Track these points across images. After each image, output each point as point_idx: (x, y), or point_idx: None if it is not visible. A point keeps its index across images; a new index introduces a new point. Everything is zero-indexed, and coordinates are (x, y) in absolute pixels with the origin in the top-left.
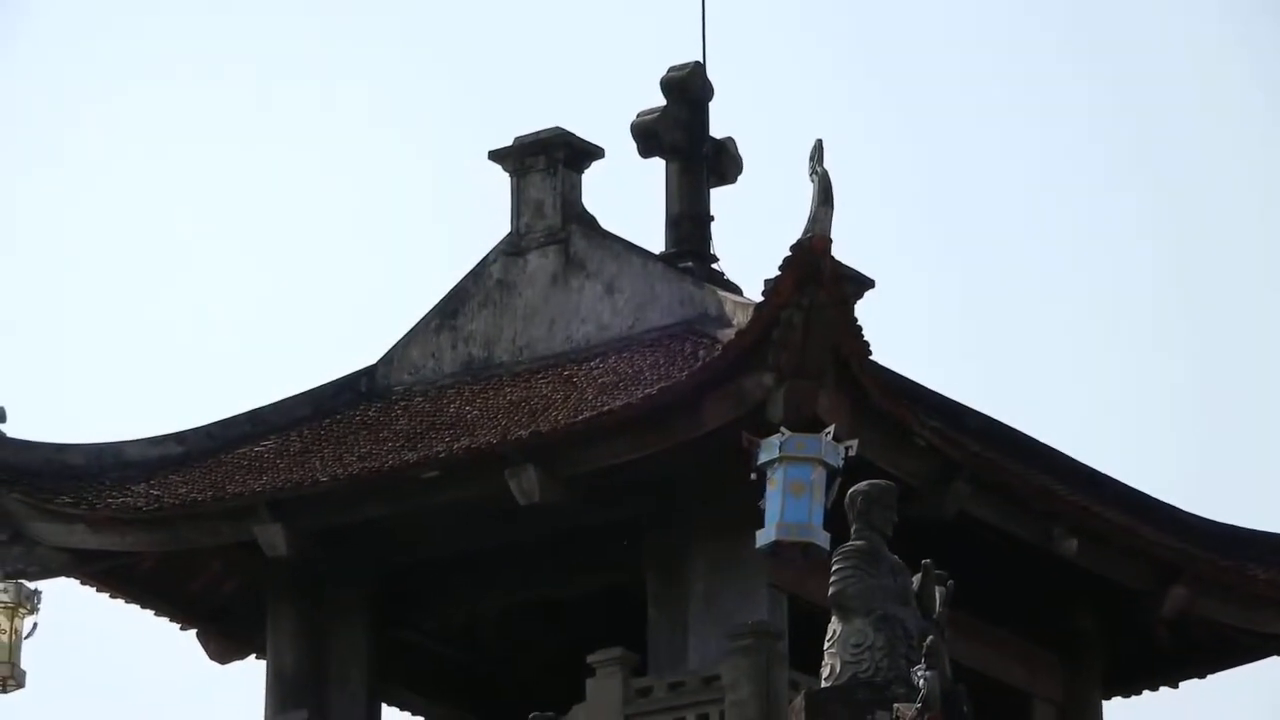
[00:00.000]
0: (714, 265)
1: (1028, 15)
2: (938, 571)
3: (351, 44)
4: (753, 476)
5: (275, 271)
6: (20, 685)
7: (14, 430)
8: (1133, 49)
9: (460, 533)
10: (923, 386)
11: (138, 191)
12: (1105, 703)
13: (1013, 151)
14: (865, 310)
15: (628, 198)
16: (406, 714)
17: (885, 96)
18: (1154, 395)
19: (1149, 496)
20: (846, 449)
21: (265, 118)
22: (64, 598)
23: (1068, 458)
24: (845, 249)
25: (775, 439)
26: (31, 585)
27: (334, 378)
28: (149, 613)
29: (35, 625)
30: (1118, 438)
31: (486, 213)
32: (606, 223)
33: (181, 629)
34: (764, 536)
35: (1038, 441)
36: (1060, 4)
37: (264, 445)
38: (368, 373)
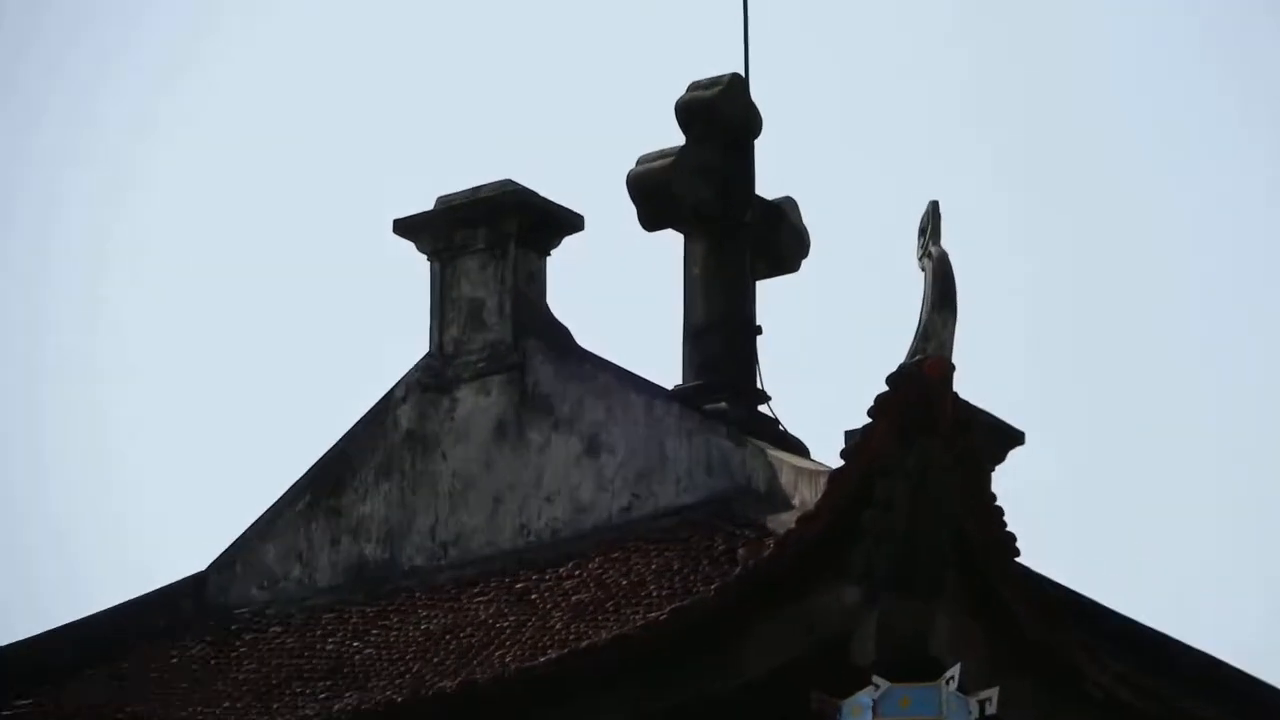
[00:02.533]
0: (763, 407)
1: None
2: None
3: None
4: None
5: (60, 416)
6: None
7: None
8: None
9: None
10: (1100, 605)
11: None
12: None
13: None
14: (1008, 479)
15: (621, 295)
16: None
17: (1026, 142)
18: None
19: None
20: (982, 705)
21: None
22: None
23: None
24: (976, 381)
25: (866, 695)
26: None
27: (142, 591)
28: None
29: None
30: None
31: (391, 320)
32: (587, 337)
33: None
34: None
35: (1269, 686)
36: None
37: (18, 707)
38: (192, 585)
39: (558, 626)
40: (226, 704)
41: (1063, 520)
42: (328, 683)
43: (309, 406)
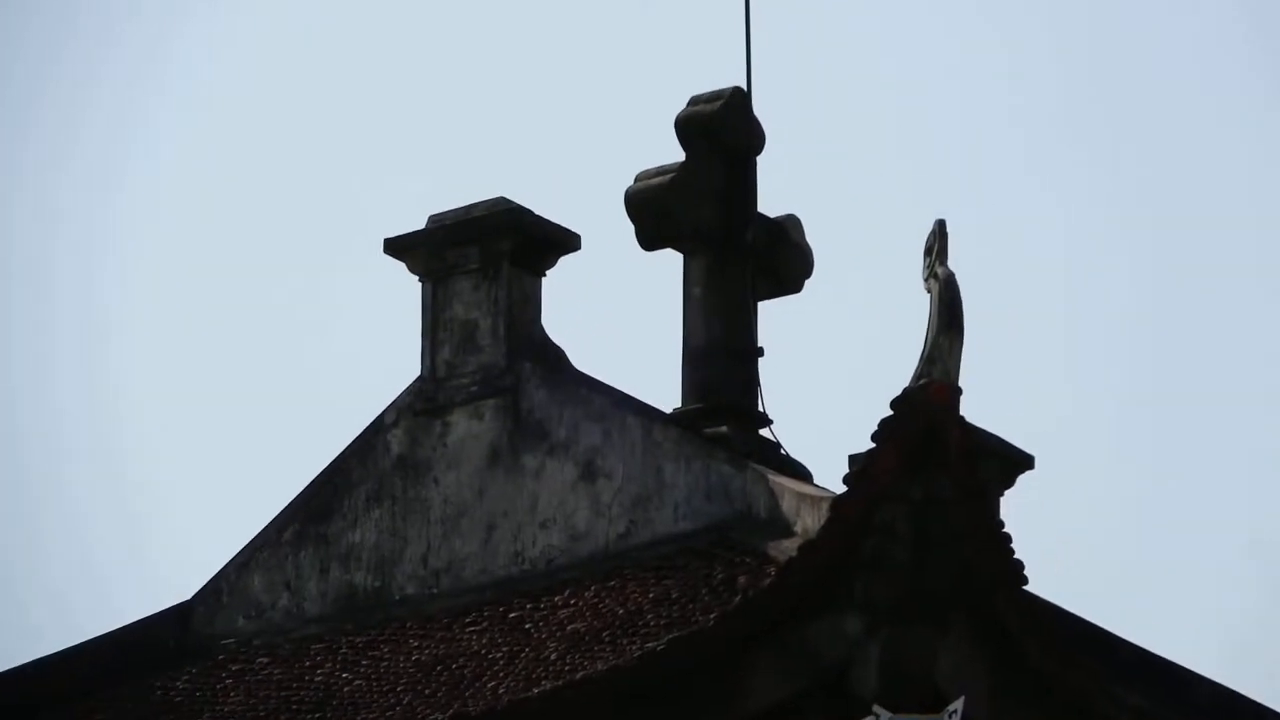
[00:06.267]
0: (764, 431)
1: None
2: None
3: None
4: None
5: (34, 442)
6: None
7: None
8: None
9: None
10: (1112, 634)
11: None
12: None
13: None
14: (1016, 506)
15: (619, 317)
16: None
17: (1033, 159)
18: None
19: None
20: None
21: None
22: None
23: None
24: (983, 404)
25: None
26: None
27: (125, 622)
28: None
29: None
30: None
31: (382, 343)
32: (583, 359)
33: None
34: None
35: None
36: None
37: None
38: (177, 615)
39: (553, 657)
40: None
41: (1074, 548)
42: (317, 715)
43: (298, 431)
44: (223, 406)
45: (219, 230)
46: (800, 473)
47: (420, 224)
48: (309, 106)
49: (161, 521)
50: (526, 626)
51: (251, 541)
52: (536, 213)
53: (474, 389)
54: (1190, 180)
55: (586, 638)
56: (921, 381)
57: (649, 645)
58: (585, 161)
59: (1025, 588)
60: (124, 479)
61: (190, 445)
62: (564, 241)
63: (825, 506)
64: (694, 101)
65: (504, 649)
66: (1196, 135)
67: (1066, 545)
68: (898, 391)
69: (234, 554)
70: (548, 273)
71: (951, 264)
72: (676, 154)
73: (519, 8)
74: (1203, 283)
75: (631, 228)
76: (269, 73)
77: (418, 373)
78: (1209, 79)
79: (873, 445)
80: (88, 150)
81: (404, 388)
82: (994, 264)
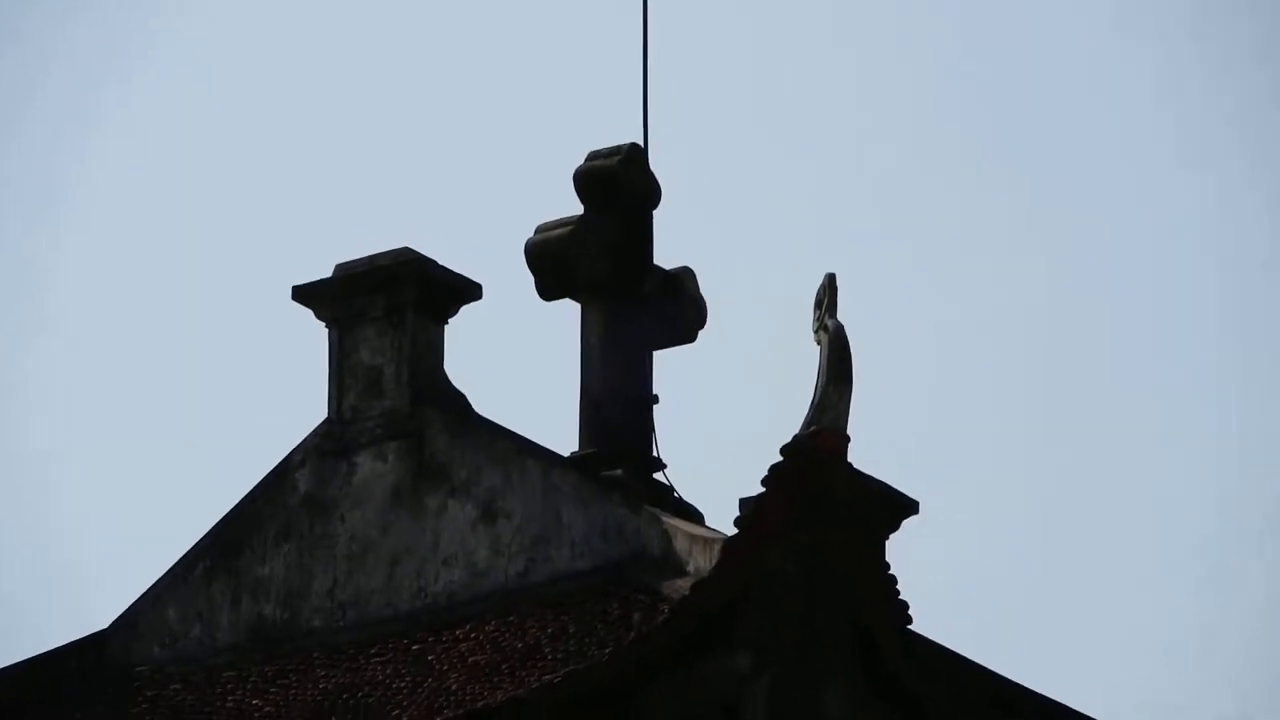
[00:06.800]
0: (658, 475)
1: None
2: None
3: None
4: None
5: None
6: None
7: None
8: None
9: None
10: (991, 672)
11: None
12: None
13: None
14: (901, 550)
15: (519, 364)
16: None
17: (918, 214)
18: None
19: None
20: None
21: None
22: None
23: None
24: (870, 451)
25: None
26: None
27: (43, 649)
28: None
29: None
30: None
31: (292, 386)
32: (484, 404)
33: None
34: None
35: None
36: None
37: None
38: (93, 643)
39: (454, 688)
40: None
41: (960, 587)
42: None
43: (211, 468)
44: (137, 446)
45: (130, 275)
46: (693, 515)
47: (327, 272)
48: (220, 155)
49: (78, 554)
50: (429, 658)
51: (166, 574)
52: (440, 262)
53: (379, 431)
54: (1073, 222)
55: (486, 670)
56: (811, 429)
57: (546, 678)
58: (487, 213)
59: (910, 626)
60: (43, 516)
61: (105, 482)
62: (466, 291)
63: (717, 548)
64: (592, 156)
65: (407, 679)
66: (1073, 179)
67: (952, 586)
68: (788, 438)
69: (148, 586)
70: (450, 320)
71: (841, 316)
72: (575, 207)
73: (423, 62)
74: (1085, 324)
75: (531, 278)
76: (182, 121)
77: (325, 415)
78: (1085, 111)
79: (763, 490)
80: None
81: (311, 429)
82: (883, 314)
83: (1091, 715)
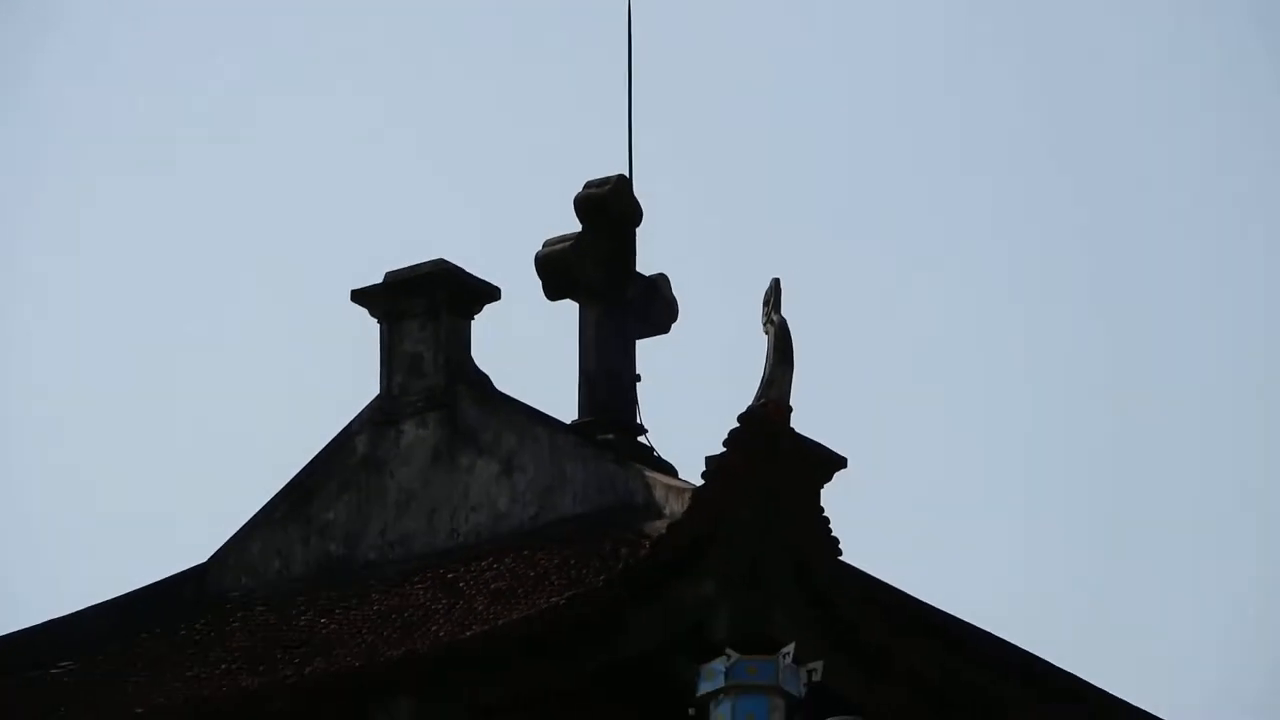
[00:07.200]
0: (641, 438)
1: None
2: None
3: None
4: (691, 712)
5: (83, 442)
6: None
7: None
8: None
9: None
10: (910, 596)
11: None
12: None
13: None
14: (834, 497)
15: (531, 351)
16: None
17: (856, 226)
18: (1173, 610)
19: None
20: (809, 673)
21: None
22: None
23: (1079, 680)
24: (807, 418)
25: (720, 664)
26: None
27: (152, 580)
28: None
29: None
30: (1128, 656)
31: (350, 370)
32: (503, 383)
33: None
34: None
35: (1047, 664)
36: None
37: (61, 668)
38: (195, 575)
39: (480, 608)
40: (223, 667)
41: (881, 527)
42: (301, 650)
43: (286, 435)
44: (233, 419)
45: (220, 282)
46: (669, 470)
47: (379, 279)
48: (296, 189)
49: (178, 503)
50: (460, 585)
51: (251, 519)
52: (467, 270)
53: (420, 404)
54: (992, 220)
55: (505, 594)
56: (761, 402)
57: (553, 600)
58: (504, 231)
59: (840, 558)
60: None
61: (205, 447)
62: (488, 293)
63: (687, 496)
64: (588, 186)
65: (442, 601)
66: (1006, 183)
67: (877, 527)
68: (744, 409)
69: (238, 528)
70: (475, 316)
71: (785, 312)
72: (574, 225)
73: (455, 115)
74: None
75: (540, 283)
76: (265, 174)
77: (377, 392)
78: (998, 138)
79: (724, 450)
80: (44, 200)
81: (367, 404)
82: (819, 310)
83: (1012, 640)
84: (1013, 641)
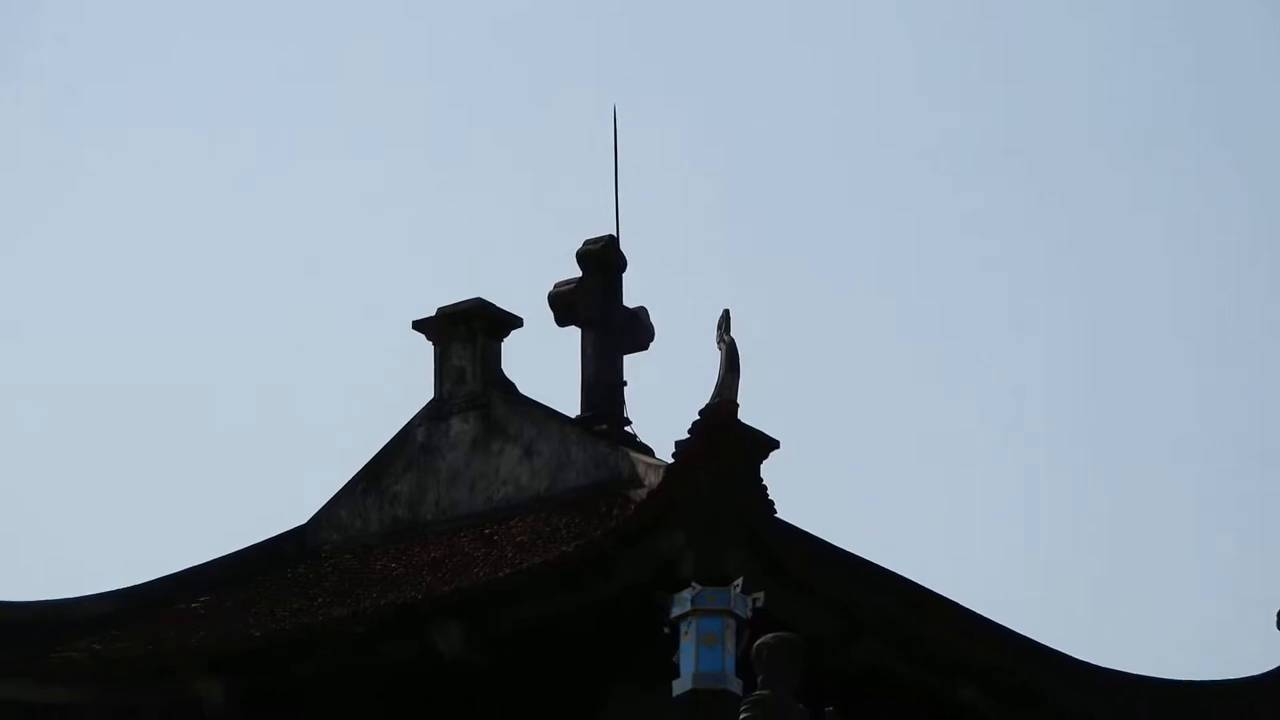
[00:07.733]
0: (627, 429)
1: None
2: None
3: (281, 222)
4: (665, 630)
5: (214, 436)
6: None
7: None
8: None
9: (389, 693)
10: (829, 544)
11: (60, 347)
12: None
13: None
14: (771, 470)
15: (545, 365)
16: None
17: (788, 270)
18: (1066, 554)
19: (1054, 650)
20: (753, 600)
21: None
22: None
23: (972, 613)
24: (751, 412)
25: (687, 593)
26: None
27: (267, 537)
28: None
29: None
30: (1023, 591)
31: (411, 380)
32: (525, 389)
33: None
34: (680, 686)
35: (941, 597)
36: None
37: (200, 602)
38: (298, 533)
39: (509, 555)
40: (320, 600)
41: (808, 492)
42: (376, 588)
43: (364, 428)
44: (327, 417)
45: (299, 323)
46: (648, 452)
47: (432, 312)
48: (357, 234)
49: (290, 479)
50: (494, 538)
51: (339, 491)
52: (498, 305)
53: (463, 405)
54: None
55: (528, 545)
56: (716, 400)
57: (564, 549)
58: (525, 276)
59: (775, 515)
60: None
61: (309, 438)
62: (512, 322)
63: (662, 471)
64: (586, 243)
65: (481, 550)
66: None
67: (805, 492)
68: (703, 406)
69: (329, 498)
70: (504, 339)
71: (733, 334)
72: (576, 272)
73: (490, 185)
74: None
75: (552, 314)
76: (333, 219)
77: (432, 396)
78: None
79: (688, 436)
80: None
81: (424, 404)
82: (760, 335)
83: (904, 574)
84: (904, 574)
